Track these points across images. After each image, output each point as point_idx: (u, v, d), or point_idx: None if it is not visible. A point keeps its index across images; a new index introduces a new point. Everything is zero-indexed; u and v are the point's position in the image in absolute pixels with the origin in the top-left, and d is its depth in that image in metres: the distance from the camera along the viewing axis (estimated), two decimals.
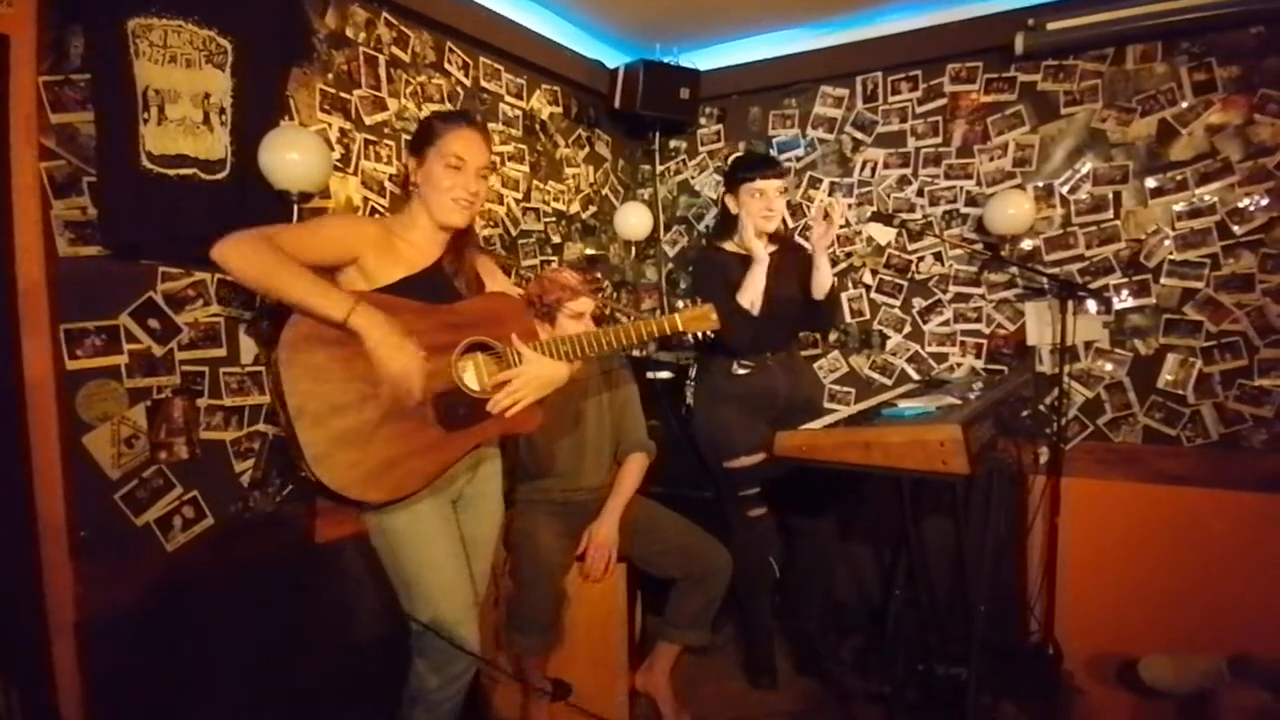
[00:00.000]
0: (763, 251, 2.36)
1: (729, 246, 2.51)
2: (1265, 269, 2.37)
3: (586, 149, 3.24)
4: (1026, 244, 2.70)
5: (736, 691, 2.54)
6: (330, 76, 2.16)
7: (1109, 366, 2.60)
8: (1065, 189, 2.65)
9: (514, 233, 2.84)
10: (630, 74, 3.07)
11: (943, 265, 2.87)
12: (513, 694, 2.25)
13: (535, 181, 2.94)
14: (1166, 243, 2.50)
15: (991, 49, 2.70)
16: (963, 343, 2.86)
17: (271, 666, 1.95)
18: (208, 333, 1.87)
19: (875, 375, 3.02)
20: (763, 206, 2.40)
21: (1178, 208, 2.48)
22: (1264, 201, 2.36)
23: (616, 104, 3.12)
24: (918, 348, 2.94)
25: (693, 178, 3.42)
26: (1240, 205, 2.39)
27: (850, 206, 3.02)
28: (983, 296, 2.81)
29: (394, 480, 1.50)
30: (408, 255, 1.61)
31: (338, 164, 2.13)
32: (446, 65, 2.55)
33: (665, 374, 2.95)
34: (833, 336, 3.10)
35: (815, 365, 3.09)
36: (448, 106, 2.54)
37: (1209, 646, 2.25)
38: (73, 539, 1.62)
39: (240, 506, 1.94)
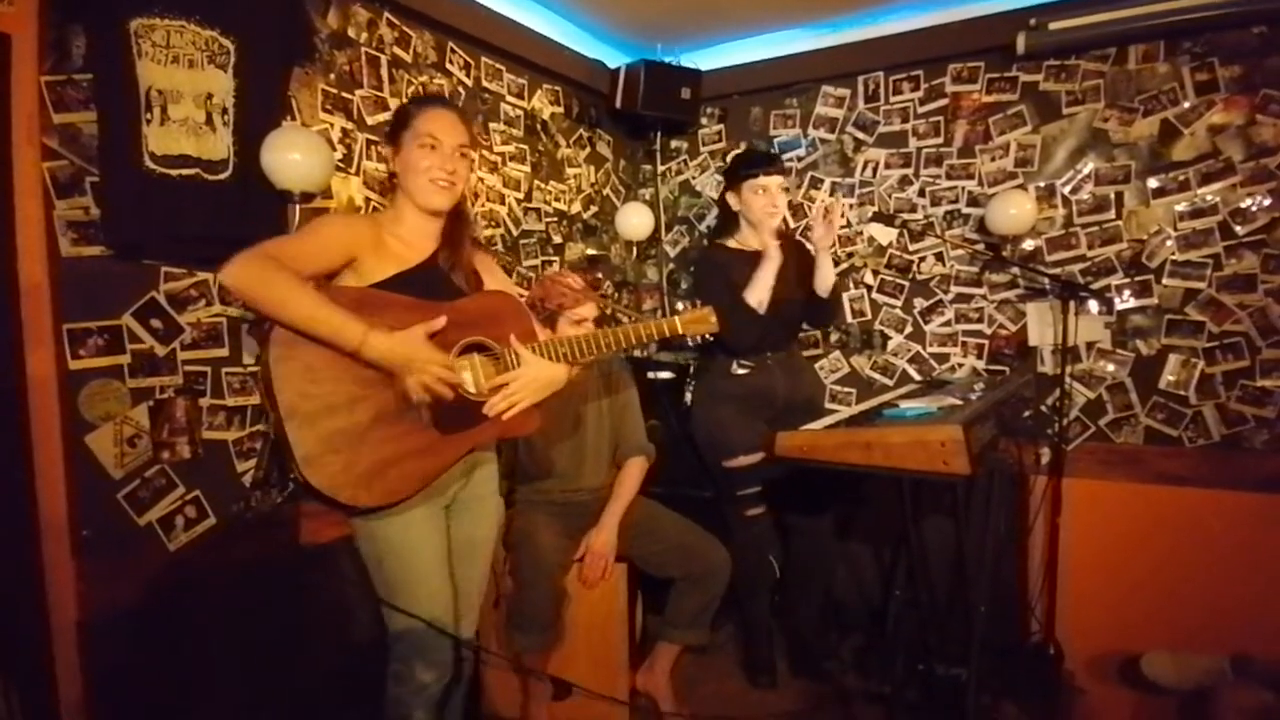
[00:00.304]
0: (777, 250, 2.35)
1: (731, 244, 2.51)
2: (1267, 269, 2.37)
3: (588, 149, 3.24)
4: (1028, 244, 2.70)
5: (736, 691, 2.54)
6: (332, 77, 2.16)
7: (1111, 367, 2.60)
8: (1067, 189, 2.64)
9: (515, 233, 2.84)
10: (631, 74, 3.07)
11: (944, 265, 2.87)
12: (513, 693, 2.26)
13: (536, 181, 2.94)
14: (1168, 243, 2.50)
15: (993, 49, 2.70)
16: (964, 343, 2.86)
17: (272, 666, 1.95)
18: (210, 333, 1.87)
19: (876, 375, 3.02)
20: (766, 203, 2.40)
21: (1180, 208, 2.48)
22: (1266, 202, 2.36)
23: (618, 104, 3.12)
24: (919, 348, 2.94)
25: (694, 178, 3.42)
26: (1242, 205, 2.39)
27: (851, 206, 3.02)
28: (984, 297, 2.80)
29: (386, 484, 1.46)
30: (399, 251, 1.57)
31: (340, 164, 2.14)
32: (448, 65, 2.55)
33: (665, 374, 2.95)
34: (834, 337, 3.10)
35: (816, 365, 3.09)
36: (458, 105, 2.54)
37: (1210, 647, 2.24)
38: (75, 538, 1.63)
39: (242, 506, 1.94)
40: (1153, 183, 2.51)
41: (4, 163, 1.54)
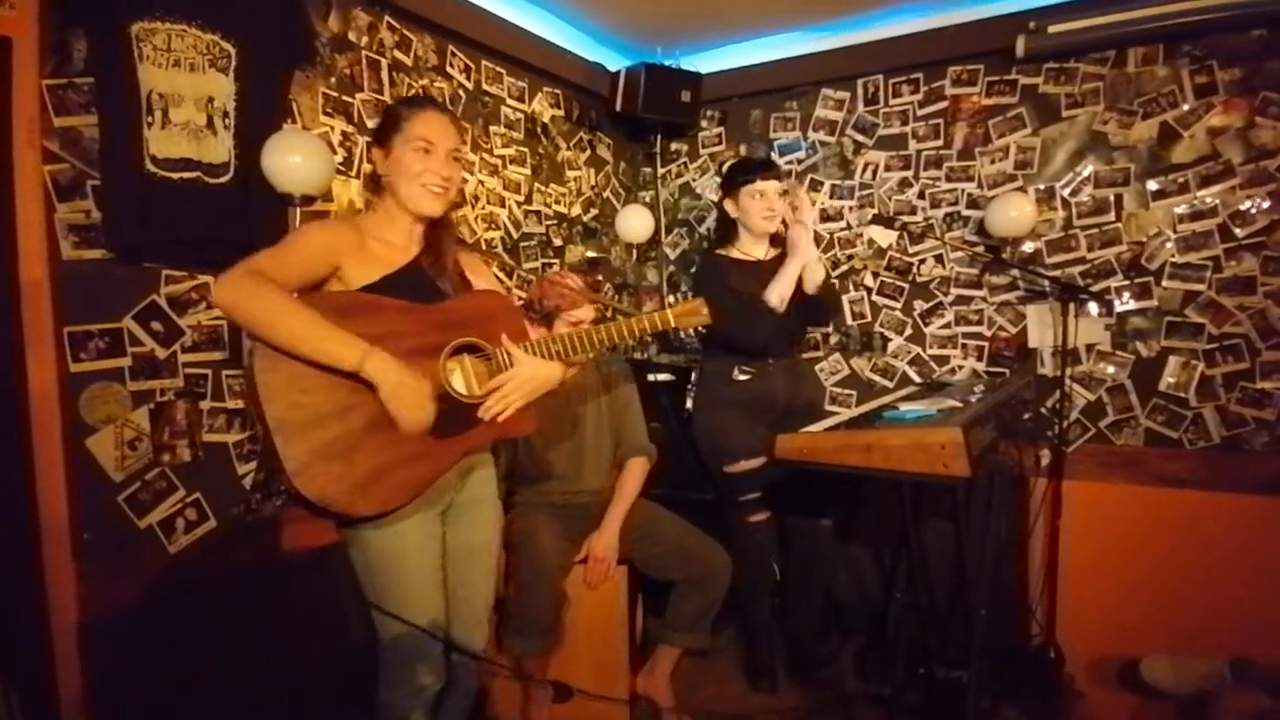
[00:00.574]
0: (807, 247, 2.36)
1: (733, 254, 2.52)
2: (1267, 271, 2.37)
3: (588, 152, 3.25)
4: (1028, 246, 2.70)
5: (736, 694, 2.54)
6: (333, 80, 2.17)
7: (1110, 369, 2.60)
8: (1066, 191, 2.65)
9: (515, 235, 2.84)
10: (631, 77, 3.08)
11: (944, 268, 2.88)
12: (513, 696, 2.26)
13: (537, 184, 2.95)
14: (1168, 245, 2.50)
15: (993, 52, 2.70)
16: (964, 345, 2.86)
17: (272, 668, 1.95)
18: (210, 335, 1.88)
19: (876, 378, 3.02)
20: (763, 207, 2.42)
21: (1179, 210, 2.48)
22: (1265, 204, 2.36)
23: (618, 107, 3.13)
24: (919, 350, 2.94)
25: (694, 180, 3.42)
26: (1242, 208, 2.39)
27: (851, 209, 3.03)
28: (984, 299, 2.81)
29: (382, 492, 1.42)
30: (383, 254, 1.53)
31: (340, 167, 2.14)
32: (448, 69, 2.56)
33: (665, 376, 2.96)
34: (834, 339, 3.10)
35: (816, 368, 3.09)
36: (448, 108, 2.55)
37: (1210, 649, 2.25)
38: (75, 541, 1.63)
39: (242, 509, 1.95)
40: (1152, 185, 2.51)
41: (5, 166, 1.55)
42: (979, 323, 2.82)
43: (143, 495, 1.75)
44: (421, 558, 1.58)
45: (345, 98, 2.20)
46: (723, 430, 2.46)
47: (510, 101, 2.82)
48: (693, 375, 2.72)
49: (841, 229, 3.06)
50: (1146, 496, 2.52)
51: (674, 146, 3.45)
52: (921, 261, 2.92)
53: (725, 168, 2.69)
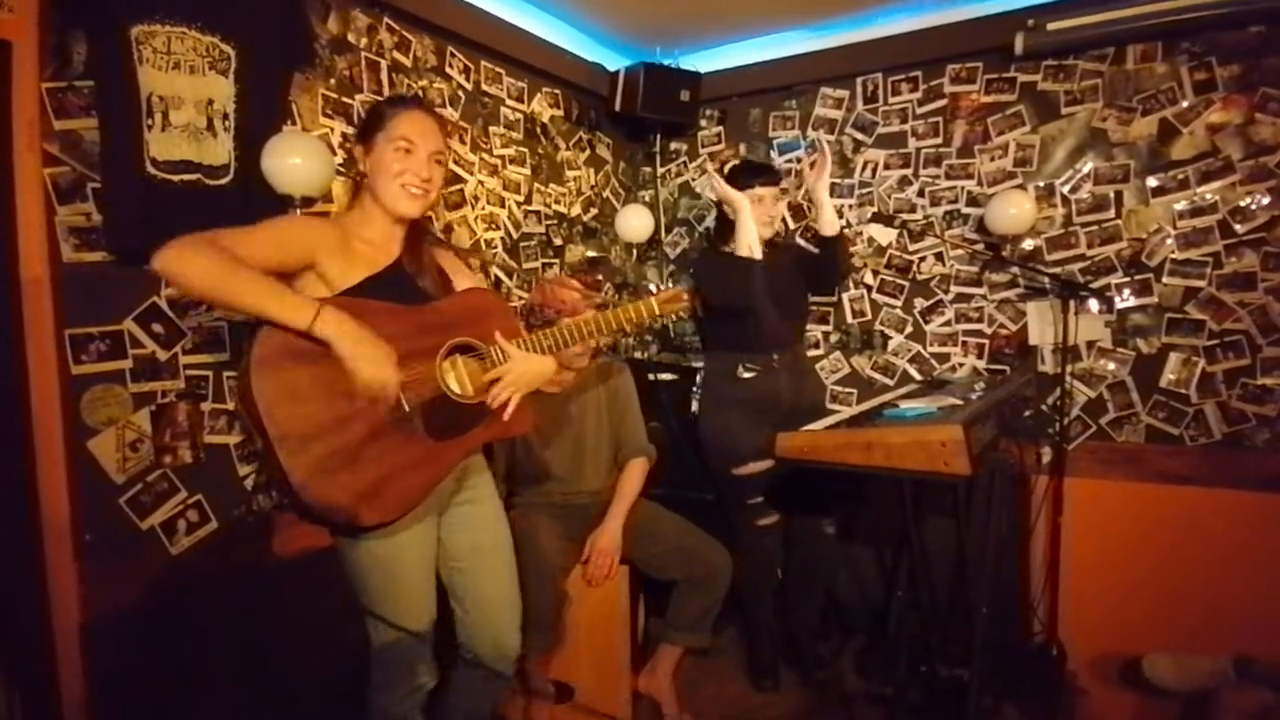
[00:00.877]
0: (742, 200, 2.43)
1: (731, 250, 2.53)
2: (1267, 267, 2.37)
3: (587, 151, 3.25)
4: (1028, 244, 2.70)
5: (738, 693, 2.54)
6: (332, 81, 2.17)
7: (1111, 366, 2.60)
8: (1066, 189, 2.64)
9: (515, 235, 2.85)
10: (631, 77, 3.08)
11: (944, 265, 2.87)
12: (514, 696, 2.26)
13: (536, 184, 2.95)
14: (1168, 242, 2.50)
15: (991, 49, 2.70)
16: (964, 343, 2.86)
17: (273, 669, 1.95)
18: (211, 337, 1.88)
19: (877, 376, 3.02)
20: (761, 213, 2.46)
21: (1179, 207, 2.48)
22: (1265, 200, 2.36)
23: (617, 107, 3.13)
24: (919, 348, 2.94)
25: (693, 179, 3.42)
26: (1242, 204, 2.39)
27: (851, 207, 3.03)
28: (984, 296, 2.80)
29: (387, 500, 1.41)
30: (367, 255, 1.52)
31: (340, 168, 2.14)
32: (448, 69, 2.56)
33: (666, 375, 2.96)
34: (834, 337, 3.10)
35: (817, 365, 3.09)
36: (450, 110, 2.55)
37: (1212, 647, 2.24)
38: (77, 542, 1.63)
39: (244, 510, 1.95)
40: (1152, 182, 2.51)
41: (5, 169, 1.55)
42: (979, 320, 2.82)
43: (144, 497, 1.75)
44: (417, 563, 1.58)
45: (345, 99, 2.20)
46: (729, 432, 2.45)
47: (510, 102, 2.82)
48: (697, 377, 2.72)
49: (841, 227, 3.05)
50: (1148, 493, 2.52)
51: (673, 146, 3.45)
52: (921, 259, 2.92)
53: (726, 168, 2.71)
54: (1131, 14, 2.40)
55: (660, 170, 3.46)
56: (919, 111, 2.89)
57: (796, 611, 2.65)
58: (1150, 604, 2.48)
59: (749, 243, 2.39)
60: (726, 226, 2.56)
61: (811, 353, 3.11)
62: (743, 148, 3.27)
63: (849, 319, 3.07)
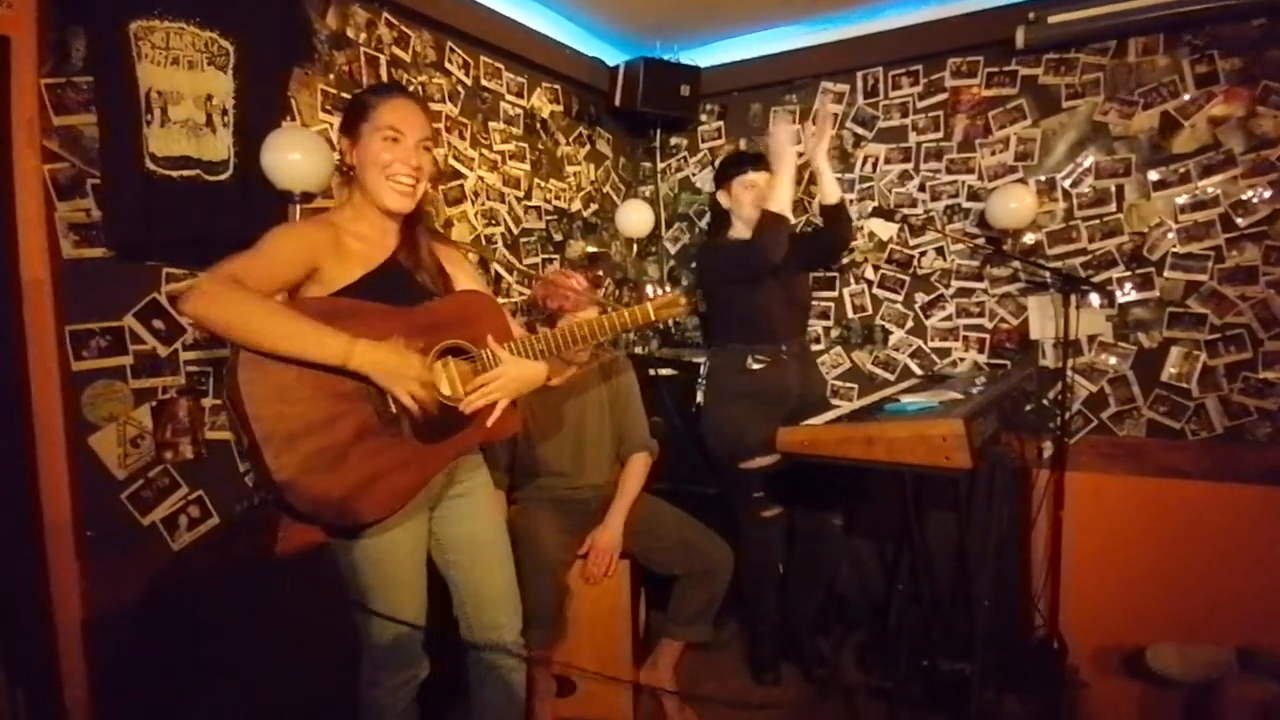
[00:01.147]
0: (791, 157, 2.40)
1: (730, 237, 2.59)
2: (1269, 261, 2.36)
3: (587, 147, 3.24)
4: (1029, 238, 2.70)
5: (739, 687, 2.55)
6: (332, 77, 2.17)
7: (1112, 360, 2.60)
8: (1067, 183, 2.64)
9: (515, 231, 2.84)
10: (631, 71, 3.07)
11: (945, 260, 2.87)
12: None
13: (536, 180, 2.95)
14: (1169, 235, 2.49)
15: (992, 43, 2.69)
16: (965, 337, 2.85)
17: (275, 665, 1.96)
18: (210, 334, 1.87)
19: (878, 370, 3.02)
20: (755, 197, 2.49)
21: (1180, 200, 2.47)
22: (1267, 194, 2.36)
23: (617, 101, 3.12)
24: (920, 343, 2.94)
25: (694, 174, 3.42)
26: (1243, 197, 2.39)
27: (851, 202, 3.02)
28: (985, 291, 2.80)
29: (373, 500, 1.41)
30: (361, 252, 1.51)
31: (339, 164, 2.14)
32: (447, 65, 2.55)
33: (668, 370, 2.96)
34: (835, 332, 3.10)
35: (818, 361, 3.09)
36: (449, 106, 2.55)
37: (1214, 640, 2.25)
38: (79, 538, 1.64)
39: (245, 506, 1.95)
40: (1153, 175, 2.51)
41: (5, 165, 1.54)
42: (980, 315, 2.82)
43: (145, 493, 1.76)
44: (410, 558, 1.58)
45: (344, 94, 2.19)
46: (736, 425, 2.45)
47: (509, 97, 2.81)
48: (701, 369, 2.71)
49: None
50: (1149, 487, 2.52)
51: (673, 141, 3.45)
52: (922, 254, 2.91)
53: (719, 162, 2.74)
54: (1133, 7, 2.40)
55: (660, 165, 3.46)
56: (920, 106, 2.88)
57: (798, 606, 2.65)
58: (1151, 598, 2.48)
59: (785, 200, 2.37)
60: (721, 220, 2.62)
61: (813, 348, 3.10)
62: (743, 142, 3.26)
63: (850, 314, 3.06)
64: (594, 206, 3.28)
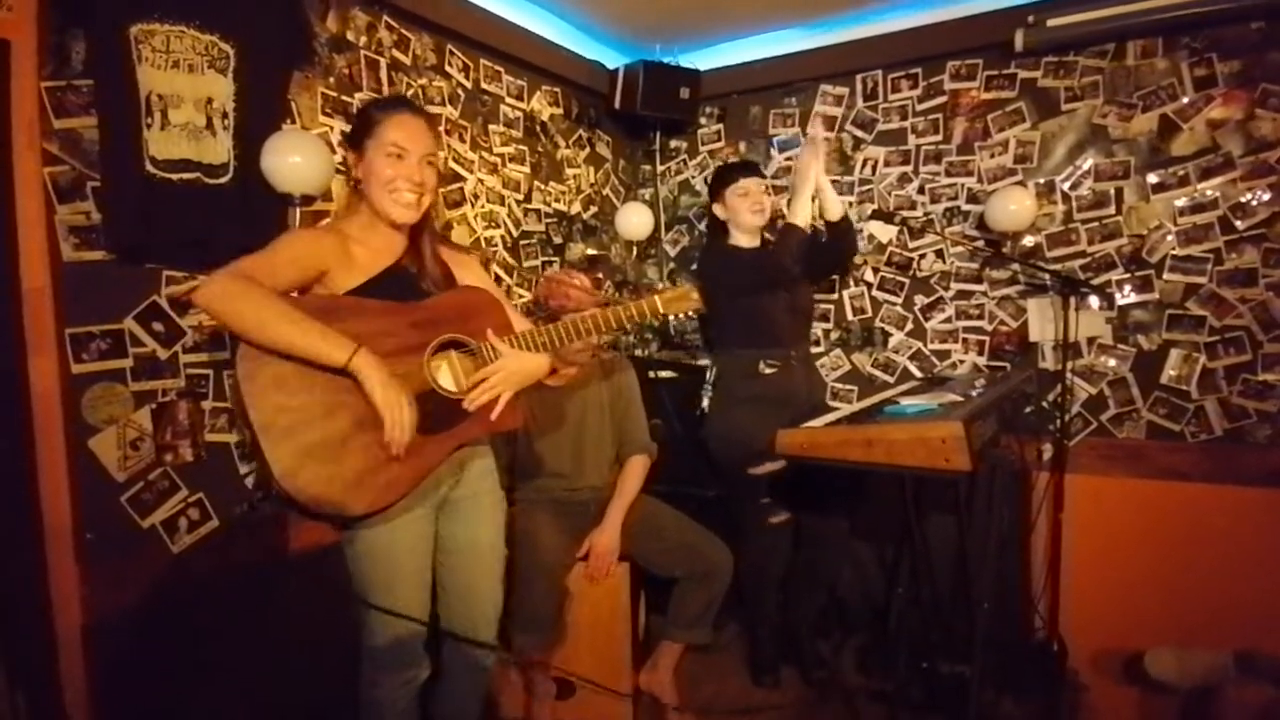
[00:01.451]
0: (814, 159, 2.46)
1: (733, 244, 2.60)
2: (1268, 264, 2.36)
3: (587, 149, 3.24)
4: (1028, 240, 2.70)
5: (739, 689, 2.55)
6: (332, 80, 2.17)
7: (1112, 362, 2.60)
8: (1067, 185, 2.64)
9: (515, 234, 2.84)
10: (630, 74, 3.07)
11: (944, 262, 2.87)
12: (516, 693, 2.26)
13: (536, 182, 2.95)
14: (1169, 238, 2.50)
15: (991, 46, 2.69)
16: (965, 340, 2.86)
17: (275, 667, 1.95)
18: (211, 335, 1.88)
19: (877, 373, 3.02)
20: (751, 203, 2.52)
21: (1179, 203, 2.48)
22: (1266, 196, 2.36)
23: (617, 104, 3.13)
24: (920, 345, 2.94)
25: (693, 177, 3.42)
26: (1242, 200, 2.39)
27: (850, 205, 3.02)
28: (985, 293, 2.80)
29: (372, 491, 1.42)
30: (368, 260, 1.54)
31: (340, 167, 2.14)
32: (447, 68, 2.56)
33: (668, 373, 2.96)
34: (835, 334, 3.10)
35: (818, 363, 3.09)
36: (449, 108, 2.55)
37: (1214, 643, 2.24)
38: (78, 541, 1.64)
39: (245, 508, 1.95)
40: (1152, 178, 2.51)
41: (5, 168, 1.55)
42: (980, 317, 2.82)
43: (145, 495, 1.76)
44: (412, 554, 1.59)
45: (344, 97, 2.20)
46: (744, 430, 2.43)
47: (509, 100, 2.82)
48: (707, 374, 2.70)
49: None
50: (1148, 490, 2.52)
51: (673, 143, 3.45)
52: (922, 256, 2.92)
53: (709, 176, 2.75)
54: (1132, 10, 2.40)
55: (660, 168, 3.46)
56: (919, 108, 2.89)
57: (798, 608, 2.65)
58: (1151, 600, 2.48)
59: (805, 214, 2.44)
60: (718, 232, 2.66)
61: (812, 350, 3.11)
62: (743, 145, 3.27)
63: (849, 316, 3.07)
64: (594, 209, 3.29)
